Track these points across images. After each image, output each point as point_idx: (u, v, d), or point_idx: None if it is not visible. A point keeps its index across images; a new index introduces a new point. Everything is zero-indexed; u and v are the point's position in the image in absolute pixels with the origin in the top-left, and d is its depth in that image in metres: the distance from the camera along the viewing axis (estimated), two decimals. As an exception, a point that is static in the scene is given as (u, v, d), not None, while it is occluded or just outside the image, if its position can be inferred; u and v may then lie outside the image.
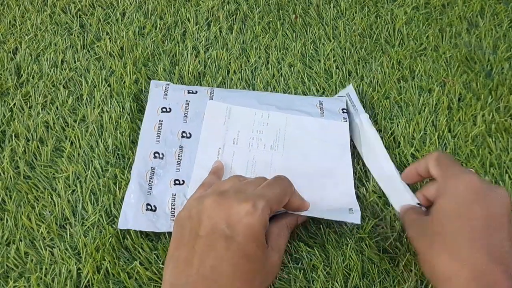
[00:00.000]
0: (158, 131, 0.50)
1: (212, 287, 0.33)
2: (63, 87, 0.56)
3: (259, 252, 0.35)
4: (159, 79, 0.56)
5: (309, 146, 0.50)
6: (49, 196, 0.47)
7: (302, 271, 0.42)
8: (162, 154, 0.48)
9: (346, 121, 0.51)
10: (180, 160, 0.48)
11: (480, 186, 0.37)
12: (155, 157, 0.48)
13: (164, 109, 0.52)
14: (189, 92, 0.53)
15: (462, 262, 0.34)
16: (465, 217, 0.36)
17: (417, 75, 0.57)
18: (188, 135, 0.50)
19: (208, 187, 0.41)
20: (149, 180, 0.47)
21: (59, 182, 0.47)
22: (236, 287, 0.34)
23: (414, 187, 0.47)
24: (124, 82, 0.56)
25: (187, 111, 0.52)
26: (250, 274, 0.35)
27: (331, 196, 0.46)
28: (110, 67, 0.57)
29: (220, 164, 0.47)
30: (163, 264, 0.42)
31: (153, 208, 0.45)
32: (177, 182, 0.47)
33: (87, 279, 0.41)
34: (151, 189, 0.46)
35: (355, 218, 0.43)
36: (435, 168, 0.40)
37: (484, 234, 0.35)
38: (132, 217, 0.44)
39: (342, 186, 0.47)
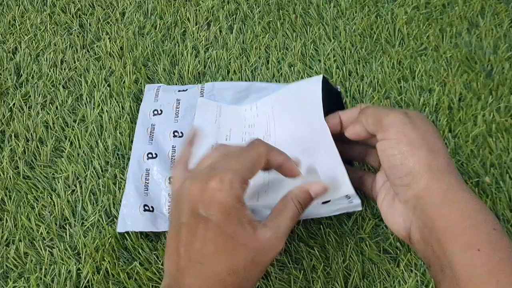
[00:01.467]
0: (150, 134, 0.50)
1: (200, 270, 0.34)
2: (63, 87, 0.55)
3: (237, 227, 0.35)
4: (159, 79, 0.56)
5: (292, 121, 0.46)
6: (48, 196, 0.47)
7: (302, 272, 0.42)
8: (155, 154, 0.49)
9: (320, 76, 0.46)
10: (173, 159, 0.49)
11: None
12: (148, 157, 0.48)
13: (155, 112, 0.52)
14: (179, 91, 0.53)
15: (438, 153, 0.36)
16: (421, 129, 0.37)
17: (417, 75, 0.57)
18: (180, 134, 0.50)
19: (183, 164, 0.40)
20: (145, 182, 0.47)
21: (58, 182, 0.47)
22: (223, 266, 0.34)
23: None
24: (124, 82, 0.55)
25: (178, 110, 0.52)
26: (234, 251, 0.34)
27: (321, 168, 0.41)
28: (110, 67, 0.57)
29: (196, 131, 0.44)
30: (162, 264, 0.42)
31: (151, 209, 0.45)
32: (171, 179, 0.47)
33: (86, 279, 0.41)
34: (147, 190, 0.46)
35: (356, 205, 0.40)
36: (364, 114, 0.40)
37: (442, 143, 0.37)
38: (130, 219, 0.44)
39: (328, 158, 0.41)
